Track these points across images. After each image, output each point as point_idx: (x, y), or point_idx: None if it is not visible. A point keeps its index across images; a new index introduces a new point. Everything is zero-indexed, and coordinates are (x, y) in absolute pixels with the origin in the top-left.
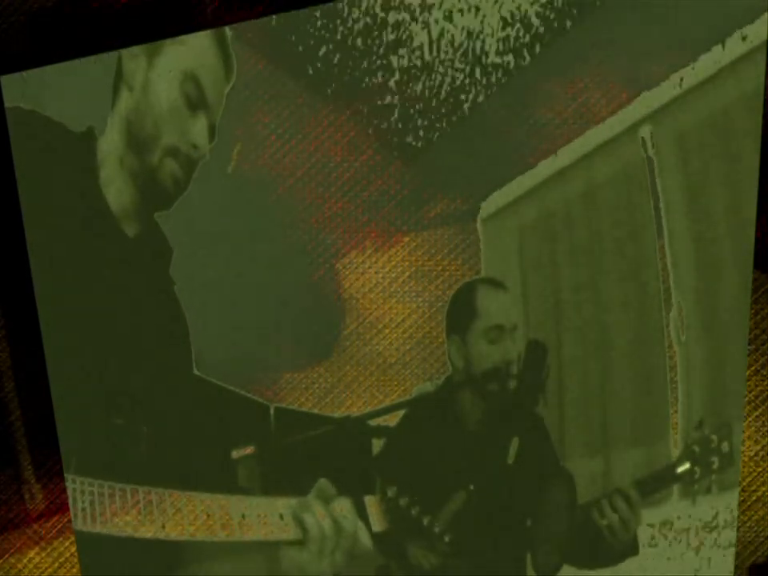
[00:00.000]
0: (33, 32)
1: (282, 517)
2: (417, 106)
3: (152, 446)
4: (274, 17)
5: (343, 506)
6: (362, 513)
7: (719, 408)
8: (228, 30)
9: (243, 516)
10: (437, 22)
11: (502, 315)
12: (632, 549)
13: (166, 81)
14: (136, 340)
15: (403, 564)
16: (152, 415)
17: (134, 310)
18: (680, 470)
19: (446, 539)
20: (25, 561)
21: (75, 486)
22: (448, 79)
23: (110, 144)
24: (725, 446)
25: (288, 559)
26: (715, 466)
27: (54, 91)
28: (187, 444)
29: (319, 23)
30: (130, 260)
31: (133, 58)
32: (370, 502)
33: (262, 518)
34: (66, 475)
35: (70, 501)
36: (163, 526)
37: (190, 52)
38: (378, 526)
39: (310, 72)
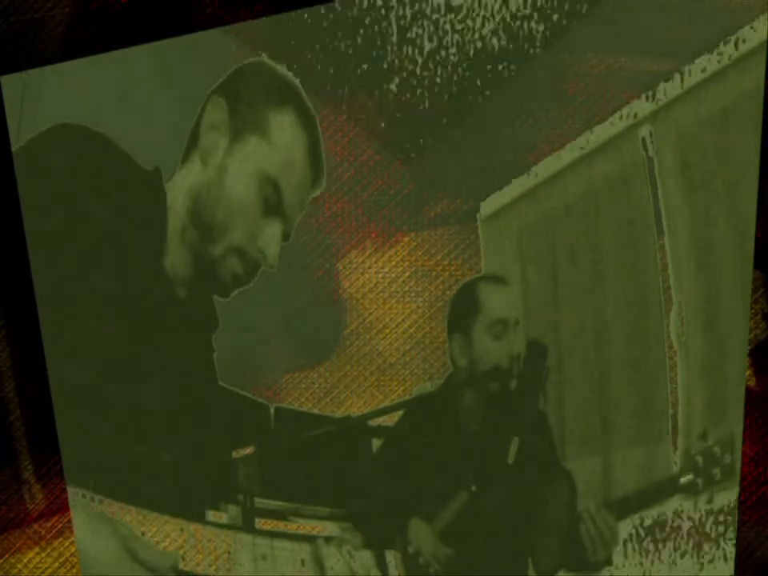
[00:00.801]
0: (33, 32)
1: (303, 562)
2: (417, 106)
3: (172, 473)
4: (273, 17)
5: (364, 557)
6: (381, 565)
7: (720, 413)
8: (320, 133)
9: (264, 557)
10: (436, 22)
11: (506, 309)
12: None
13: (244, 177)
14: (143, 353)
15: None
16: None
17: (136, 320)
18: (683, 481)
19: None
20: (25, 561)
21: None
22: (448, 79)
23: (177, 203)
24: (727, 458)
25: None
26: (717, 478)
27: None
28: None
29: (319, 23)
30: (128, 262)
31: (212, 128)
32: (391, 556)
33: (283, 561)
34: (70, 497)
35: (74, 518)
36: (183, 557)
37: (276, 154)
38: None
39: (310, 72)
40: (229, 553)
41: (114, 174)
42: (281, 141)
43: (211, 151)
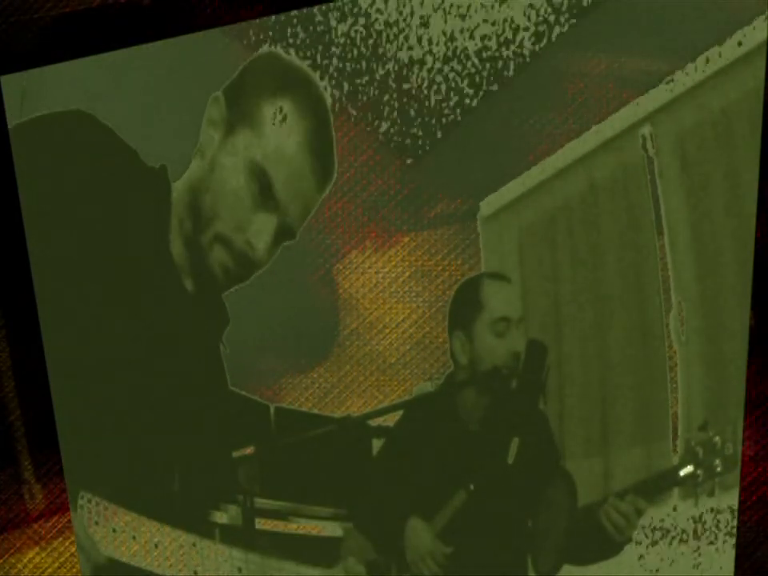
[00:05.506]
0: (33, 32)
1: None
2: (417, 106)
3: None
4: (273, 17)
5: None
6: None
7: (720, 409)
8: (333, 133)
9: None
10: (436, 21)
11: (509, 307)
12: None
13: (234, 168)
14: (149, 350)
15: None
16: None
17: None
18: (683, 472)
19: None
20: (25, 561)
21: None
22: (448, 79)
23: (178, 198)
24: (728, 448)
25: None
26: (719, 469)
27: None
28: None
29: (318, 23)
30: (130, 260)
31: (210, 125)
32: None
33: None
34: (78, 502)
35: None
36: (195, 573)
37: (265, 143)
38: None
39: (310, 72)
40: (239, 569)
41: (120, 169)
42: (272, 130)
43: (207, 145)
